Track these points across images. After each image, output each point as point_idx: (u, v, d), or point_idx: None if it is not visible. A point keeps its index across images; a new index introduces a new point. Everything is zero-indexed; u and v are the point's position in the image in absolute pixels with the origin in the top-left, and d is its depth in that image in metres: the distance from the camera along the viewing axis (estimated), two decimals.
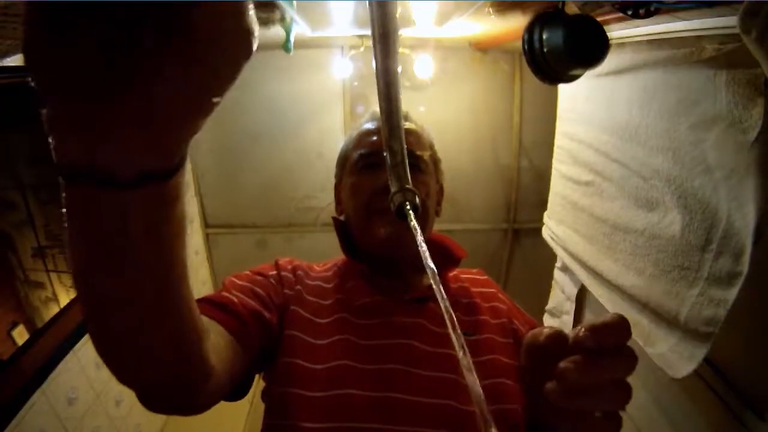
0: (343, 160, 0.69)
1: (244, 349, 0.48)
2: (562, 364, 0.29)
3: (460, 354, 0.27)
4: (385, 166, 0.46)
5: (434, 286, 0.32)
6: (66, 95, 0.19)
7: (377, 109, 0.46)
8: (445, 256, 0.67)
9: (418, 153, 0.63)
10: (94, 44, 0.17)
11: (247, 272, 0.60)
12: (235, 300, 0.51)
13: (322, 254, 0.75)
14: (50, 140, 0.20)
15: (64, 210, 0.23)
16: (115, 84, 0.18)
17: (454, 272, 0.68)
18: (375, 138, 0.64)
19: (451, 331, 0.28)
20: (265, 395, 0.55)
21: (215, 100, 0.21)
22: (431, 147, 0.68)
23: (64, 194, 0.22)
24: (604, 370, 0.29)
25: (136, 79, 0.18)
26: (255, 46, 0.21)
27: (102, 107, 0.19)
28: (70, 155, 0.21)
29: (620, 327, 0.29)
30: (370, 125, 0.67)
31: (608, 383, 0.29)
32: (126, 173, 0.21)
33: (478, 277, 0.70)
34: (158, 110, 0.20)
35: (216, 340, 0.43)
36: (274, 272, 0.62)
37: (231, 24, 0.19)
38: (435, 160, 0.69)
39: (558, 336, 0.32)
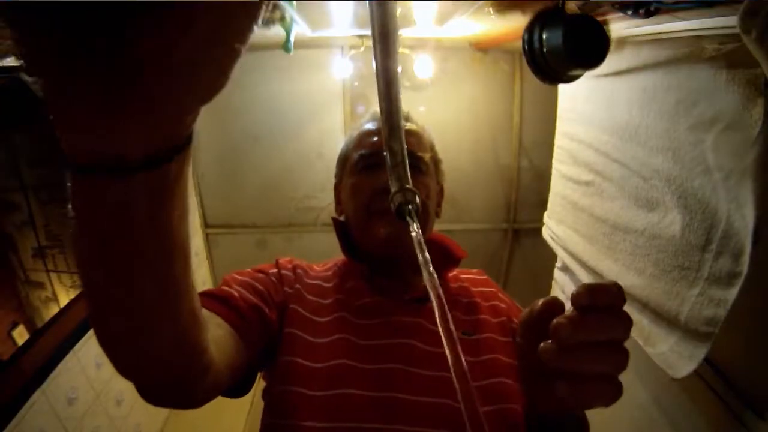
0: (344, 161, 0.69)
1: (245, 343, 0.48)
2: (556, 321, 0.30)
3: (452, 361, 0.27)
4: (385, 167, 0.46)
5: (431, 290, 0.32)
6: (71, 92, 0.19)
7: (377, 109, 0.46)
8: (445, 256, 0.67)
9: (419, 154, 0.63)
10: (94, 44, 0.17)
11: (248, 270, 0.60)
12: (236, 294, 0.51)
13: (322, 254, 0.75)
14: (59, 135, 0.20)
15: (70, 206, 0.23)
16: (116, 77, 0.18)
17: (454, 272, 0.68)
18: (375, 138, 0.64)
19: (443, 336, 0.29)
20: (266, 394, 0.55)
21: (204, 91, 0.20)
22: (432, 148, 0.68)
23: (71, 188, 0.22)
24: (597, 326, 0.29)
25: (136, 72, 0.18)
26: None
27: (106, 99, 0.19)
28: (79, 147, 0.21)
29: (615, 289, 0.30)
30: (370, 125, 0.66)
31: (603, 343, 0.29)
32: (134, 156, 0.21)
33: (477, 276, 0.70)
34: (158, 97, 0.19)
35: (216, 333, 0.43)
36: (275, 270, 0.62)
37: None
38: (435, 161, 0.69)
39: (554, 302, 0.33)
